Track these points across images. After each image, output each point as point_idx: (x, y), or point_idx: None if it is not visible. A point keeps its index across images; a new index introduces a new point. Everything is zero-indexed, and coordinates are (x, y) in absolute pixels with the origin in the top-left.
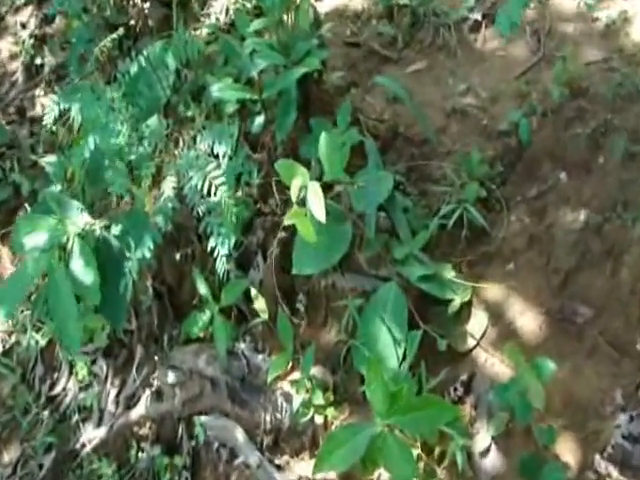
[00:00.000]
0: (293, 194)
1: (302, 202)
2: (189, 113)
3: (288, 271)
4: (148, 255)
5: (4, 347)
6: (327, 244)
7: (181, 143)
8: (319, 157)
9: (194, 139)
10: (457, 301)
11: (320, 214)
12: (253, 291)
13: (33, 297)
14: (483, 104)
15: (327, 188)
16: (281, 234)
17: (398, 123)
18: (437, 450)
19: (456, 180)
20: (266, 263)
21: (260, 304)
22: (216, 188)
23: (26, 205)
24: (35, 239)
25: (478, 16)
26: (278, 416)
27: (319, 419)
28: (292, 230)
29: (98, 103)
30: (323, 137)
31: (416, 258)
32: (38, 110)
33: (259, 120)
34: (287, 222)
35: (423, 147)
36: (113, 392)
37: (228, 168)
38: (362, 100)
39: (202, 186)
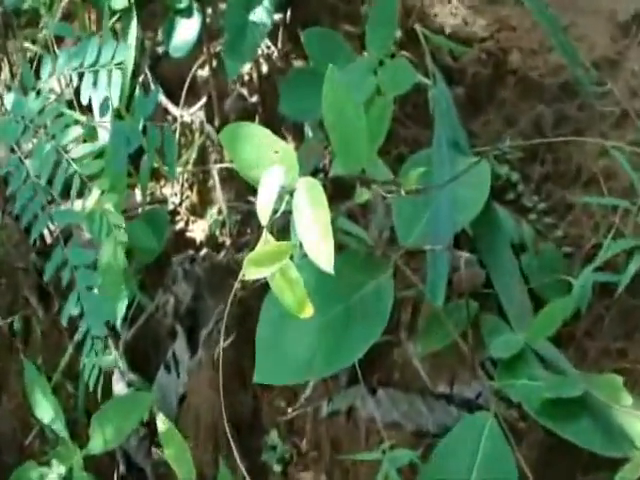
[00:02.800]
0: (262, 207)
1: (283, 224)
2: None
3: (244, 376)
4: None
5: None
6: (336, 322)
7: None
8: (322, 120)
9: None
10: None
11: (324, 255)
12: (162, 423)
13: None
14: None
15: (338, 192)
16: (235, 293)
17: (506, 48)
18: None
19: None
20: (195, 358)
21: (179, 455)
22: (83, 185)
23: None
24: None
25: None
26: None
27: None
28: (258, 288)
29: None
30: (332, 73)
31: (541, 360)
32: None
33: (187, 29)
34: (249, 274)
35: (563, 104)
36: None
37: (114, 139)
38: None
39: (53, 180)
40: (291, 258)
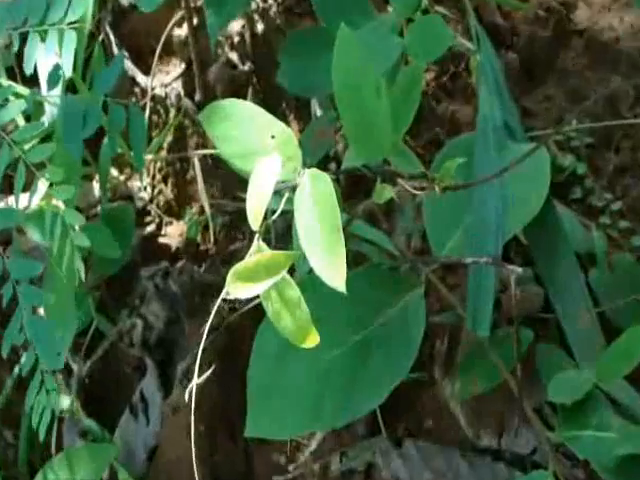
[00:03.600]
0: (253, 207)
1: (283, 229)
2: None
3: (232, 423)
4: None
5: None
6: (351, 357)
7: None
8: (335, 93)
9: None
10: None
11: (335, 269)
12: None
13: None
14: None
15: (354, 188)
16: (221, 316)
17: (570, 2)
18: None
19: None
20: (169, 400)
21: None
22: (29, 175)
23: None
24: None
25: None
26: None
27: None
28: (251, 311)
29: None
30: (345, 34)
31: (615, 406)
32: None
33: None
34: (234, 292)
35: None
36: None
37: (67, 117)
38: None
39: None
40: (292, 273)
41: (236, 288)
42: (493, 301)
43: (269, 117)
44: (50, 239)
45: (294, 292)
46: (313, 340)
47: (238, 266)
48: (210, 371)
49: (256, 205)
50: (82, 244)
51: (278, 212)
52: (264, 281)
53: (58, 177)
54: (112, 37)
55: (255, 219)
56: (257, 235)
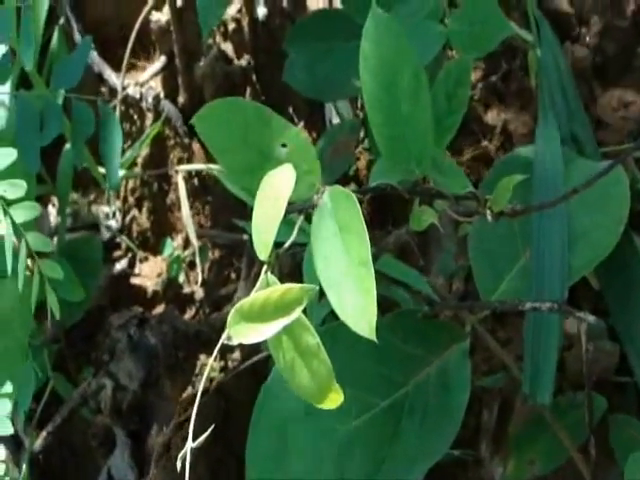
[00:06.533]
0: (260, 233)
1: (292, 269)
2: None
3: None
4: None
5: None
6: (377, 426)
7: None
8: (356, 97)
9: None
10: None
11: (362, 314)
12: None
13: None
14: None
15: (382, 213)
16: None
17: None
18: None
19: None
20: None
21: None
22: None
23: None
24: None
25: None
26: None
27: None
28: (248, 371)
29: None
30: (377, 18)
31: None
32: None
33: None
34: (238, 335)
35: None
36: None
37: (19, 120)
38: None
39: None
40: (305, 315)
41: (239, 331)
42: (556, 360)
43: (280, 120)
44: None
45: (312, 338)
46: (335, 399)
47: (242, 304)
48: (197, 443)
49: (264, 228)
50: (54, 275)
51: (290, 240)
52: (274, 322)
53: (18, 192)
54: (74, 22)
55: (263, 247)
56: (266, 266)
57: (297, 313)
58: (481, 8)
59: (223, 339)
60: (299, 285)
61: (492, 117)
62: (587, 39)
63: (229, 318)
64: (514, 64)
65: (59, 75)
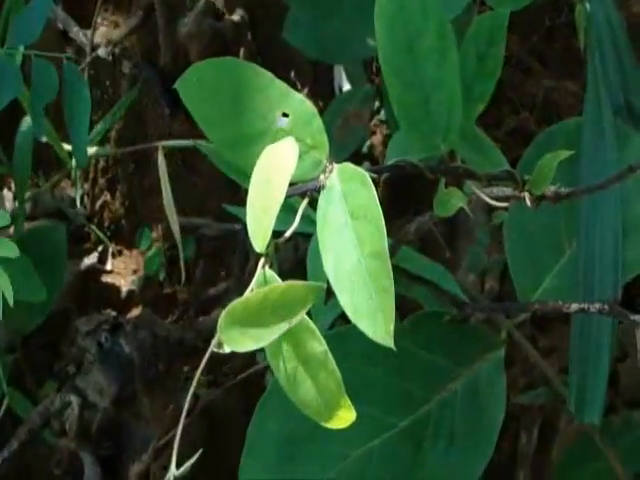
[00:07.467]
0: (256, 219)
1: (294, 264)
2: None
3: None
4: None
5: None
6: (398, 447)
7: None
8: (380, 52)
9: None
10: None
11: (377, 316)
12: None
13: None
14: None
15: (401, 197)
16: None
17: None
18: None
19: None
20: None
21: None
22: None
23: None
24: None
25: None
26: None
27: None
28: (241, 384)
29: None
30: None
31: None
32: None
33: None
34: (230, 343)
35: None
36: None
37: None
38: None
39: None
40: (310, 318)
41: (231, 337)
42: (608, 373)
43: (281, 85)
44: None
45: (318, 344)
46: (346, 418)
47: (235, 305)
48: (180, 472)
49: (261, 215)
50: (6, 253)
51: (292, 229)
52: (272, 326)
53: None
54: None
55: (260, 236)
56: (263, 259)
57: (300, 315)
58: None
59: (212, 347)
60: (302, 282)
61: (532, 84)
62: None
63: (219, 322)
64: (558, 20)
65: (17, 28)
